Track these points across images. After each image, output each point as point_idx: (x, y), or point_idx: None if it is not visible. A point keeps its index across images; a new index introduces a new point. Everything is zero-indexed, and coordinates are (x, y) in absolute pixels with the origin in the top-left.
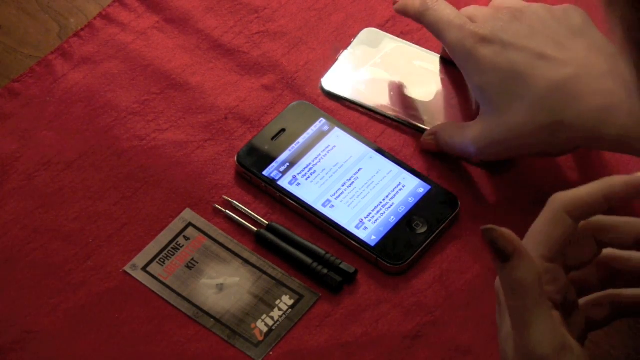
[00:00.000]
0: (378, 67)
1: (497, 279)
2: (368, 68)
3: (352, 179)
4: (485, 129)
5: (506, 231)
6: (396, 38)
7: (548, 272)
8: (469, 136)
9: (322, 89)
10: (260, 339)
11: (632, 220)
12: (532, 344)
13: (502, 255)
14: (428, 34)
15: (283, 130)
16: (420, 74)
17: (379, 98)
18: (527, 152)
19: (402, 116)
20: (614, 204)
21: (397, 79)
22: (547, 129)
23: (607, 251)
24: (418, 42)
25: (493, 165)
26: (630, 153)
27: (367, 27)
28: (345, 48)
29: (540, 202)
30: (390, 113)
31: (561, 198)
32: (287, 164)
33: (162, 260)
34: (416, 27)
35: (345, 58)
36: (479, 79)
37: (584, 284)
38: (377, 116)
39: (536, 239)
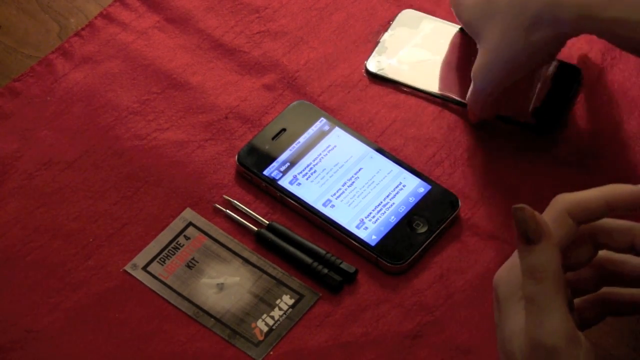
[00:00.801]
0: (419, 47)
1: (496, 275)
2: (409, 49)
3: (353, 179)
4: (479, 59)
5: (537, 213)
6: (435, 18)
7: None
8: (472, 76)
9: (367, 71)
10: (261, 338)
11: (629, 224)
12: (545, 333)
13: (528, 237)
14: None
15: (283, 129)
16: (461, 51)
17: (423, 78)
18: (522, 64)
19: (448, 94)
20: (616, 212)
21: (439, 57)
22: (524, 30)
23: (603, 253)
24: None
25: (540, 127)
26: (591, 32)
27: (368, 26)
28: (385, 30)
29: (540, 203)
30: (435, 92)
31: (564, 199)
32: (288, 164)
33: (162, 259)
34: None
35: (386, 40)
36: (466, 15)
37: (578, 285)
38: (423, 95)
39: None
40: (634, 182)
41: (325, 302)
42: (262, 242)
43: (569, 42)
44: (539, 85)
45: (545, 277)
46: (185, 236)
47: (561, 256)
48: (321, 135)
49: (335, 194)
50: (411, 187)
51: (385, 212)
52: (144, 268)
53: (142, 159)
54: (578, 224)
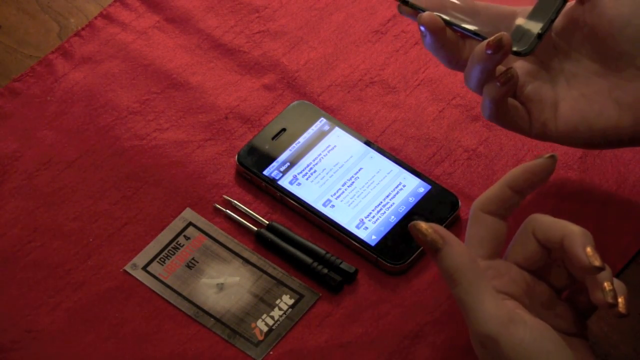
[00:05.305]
0: None
1: None
2: None
3: (353, 179)
4: None
5: (432, 224)
6: None
7: (490, 268)
8: None
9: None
10: (261, 338)
11: (561, 222)
12: (478, 324)
13: (433, 246)
14: None
15: (283, 129)
16: None
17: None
18: None
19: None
20: (523, 191)
21: None
22: None
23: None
24: (419, 42)
25: None
26: None
27: (368, 26)
28: None
29: (539, 202)
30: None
31: (476, 201)
32: (288, 164)
33: (162, 259)
34: (417, 26)
35: None
36: None
37: (560, 282)
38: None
39: (469, 242)
40: (633, 182)
41: (325, 302)
42: (262, 242)
43: None
44: None
45: (461, 276)
46: (185, 236)
47: (470, 250)
48: (321, 135)
49: (335, 194)
50: (411, 187)
51: (385, 212)
52: (144, 268)
53: (142, 159)
54: (499, 217)
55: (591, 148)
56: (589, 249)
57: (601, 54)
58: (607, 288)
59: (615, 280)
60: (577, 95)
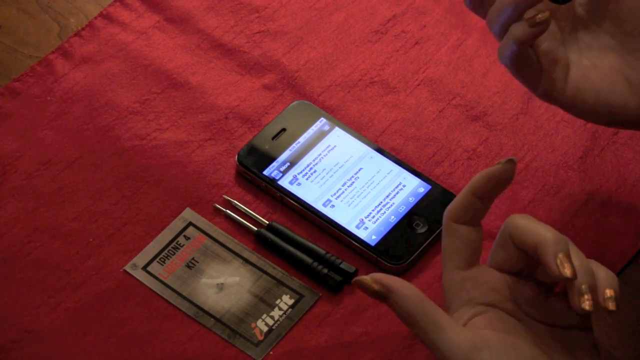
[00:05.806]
0: None
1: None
2: None
3: (353, 179)
4: None
5: (373, 276)
6: None
7: (467, 280)
8: None
9: None
10: (261, 338)
11: (535, 228)
12: (444, 357)
13: (379, 298)
14: (429, 32)
15: (283, 129)
16: None
17: None
18: None
19: None
20: (487, 197)
21: None
22: None
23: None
24: (419, 42)
25: None
26: None
27: (368, 26)
28: None
29: (539, 202)
30: None
31: (445, 212)
32: (288, 164)
33: (162, 259)
34: (417, 26)
35: None
36: None
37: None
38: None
39: (445, 255)
40: (633, 182)
41: (325, 302)
42: (262, 242)
43: None
44: None
45: (415, 318)
46: (185, 236)
47: (455, 277)
48: (321, 135)
49: (335, 194)
50: (411, 187)
51: (385, 212)
52: (144, 268)
53: (142, 159)
54: (469, 224)
55: (595, 122)
56: (560, 258)
57: (621, 31)
58: (584, 289)
59: (604, 271)
60: (589, 65)
